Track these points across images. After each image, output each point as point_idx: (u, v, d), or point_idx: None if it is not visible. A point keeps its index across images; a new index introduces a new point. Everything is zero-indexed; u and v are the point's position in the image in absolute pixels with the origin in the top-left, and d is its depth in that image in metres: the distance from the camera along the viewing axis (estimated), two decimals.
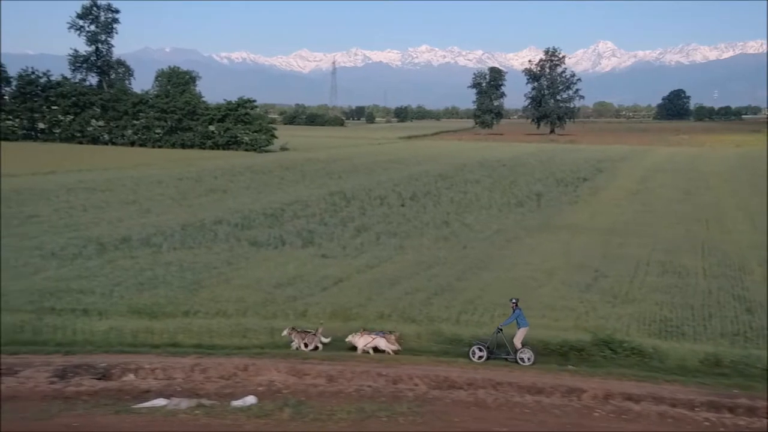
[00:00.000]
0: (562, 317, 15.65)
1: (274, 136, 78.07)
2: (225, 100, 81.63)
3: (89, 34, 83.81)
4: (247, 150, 75.09)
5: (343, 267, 20.35)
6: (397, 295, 17.51)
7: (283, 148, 76.14)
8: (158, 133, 79.66)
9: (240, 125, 77.48)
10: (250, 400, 11.61)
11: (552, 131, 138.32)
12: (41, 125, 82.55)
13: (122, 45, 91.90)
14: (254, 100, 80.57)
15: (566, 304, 16.63)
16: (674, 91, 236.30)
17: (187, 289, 17.50)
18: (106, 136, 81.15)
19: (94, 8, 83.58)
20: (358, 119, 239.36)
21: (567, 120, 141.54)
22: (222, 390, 12.08)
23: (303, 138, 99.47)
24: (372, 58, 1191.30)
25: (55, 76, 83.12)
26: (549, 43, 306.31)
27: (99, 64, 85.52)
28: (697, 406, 10.96)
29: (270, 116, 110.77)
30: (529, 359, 13.25)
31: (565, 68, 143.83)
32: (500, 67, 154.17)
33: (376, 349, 13.86)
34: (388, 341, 13.86)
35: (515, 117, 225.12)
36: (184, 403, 11.38)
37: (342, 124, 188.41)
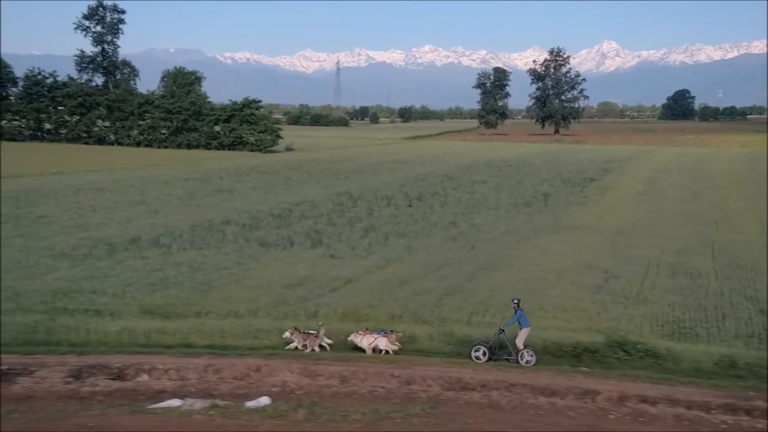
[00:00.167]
0: (574, 318, 15.61)
1: (279, 136, 78.19)
2: (230, 100, 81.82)
3: (95, 34, 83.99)
4: (252, 150, 75.23)
5: (352, 268, 20.36)
6: (408, 295, 17.51)
7: (288, 149, 76.25)
8: (164, 134, 79.86)
9: (245, 126, 77.62)
10: (264, 400, 11.63)
11: (556, 131, 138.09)
12: (47, 126, 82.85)
13: (127, 45, 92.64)
14: (259, 101, 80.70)
15: (578, 305, 16.59)
16: (679, 91, 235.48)
17: (198, 290, 17.54)
18: (112, 137, 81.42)
19: (101, 9, 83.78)
20: (362, 119, 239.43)
21: (571, 120, 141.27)
22: (236, 390, 12.11)
23: (308, 138, 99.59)
24: (375, 59, 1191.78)
25: (61, 77, 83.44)
26: (553, 44, 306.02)
27: (105, 64, 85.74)
28: (713, 409, 10.91)
29: (274, 116, 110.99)
30: (530, 360, 13.24)
31: (570, 68, 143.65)
32: (504, 68, 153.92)
33: (375, 349, 13.87)
34: (389, 341, 13.86)
35: (519, 117, 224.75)
36: (199, 404, 11.40)
37: (346, 124, 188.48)
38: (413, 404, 11.44)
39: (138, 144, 79.63)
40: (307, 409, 10.98)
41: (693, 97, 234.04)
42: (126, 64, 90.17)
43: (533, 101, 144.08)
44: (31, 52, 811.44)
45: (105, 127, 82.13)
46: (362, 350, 13.93)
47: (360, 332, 14.09)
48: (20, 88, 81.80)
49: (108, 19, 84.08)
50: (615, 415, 10.97)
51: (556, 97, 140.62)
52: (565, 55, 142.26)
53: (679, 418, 10.70)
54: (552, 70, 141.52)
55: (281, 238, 24.37)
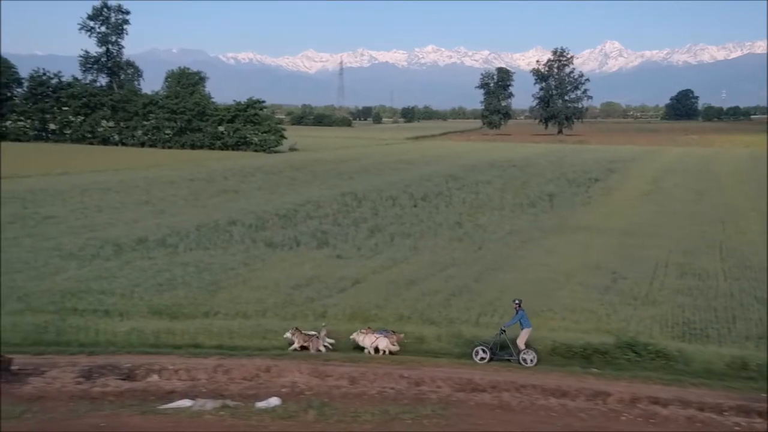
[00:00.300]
0: (583, 319, 15.57)
1: (283, 136, 78.26)
2: (234, 100, 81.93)
3: (100, 35, 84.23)
4: (256, 151, 75.30)
5: (359, 268, 20.36)
6: (415, 296, 17.50)
7: (292, 149, 76.30)
8: (168, 134, 80.00)
9: (249, 126, 77.71)
10: (274, 401, 11.63)
11: (560, 131, 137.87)
12: (52, 126, 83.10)
13: (129, 46, 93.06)
14: (263, 101, 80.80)
15: (586, 306, 16.56)
16: (682, 91, 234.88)
17: (206, 290, 17.56)
18: (116, 137, 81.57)
19: (105, 9, 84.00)
20: (365, 120, 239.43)
21: (575, 120, 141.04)
22: (246, 391, 12.12)
23: (311, 138, 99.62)
24: (378, 59, 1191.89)
25: (66, 77, 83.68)
26: (555, 44, 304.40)
27: (109, 65, 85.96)
28: (725, 411, 10.86)
29: (277, 117, 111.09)
30: (532, 360, 13.24)
31: (574, 68, 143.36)
32: (507, 68, 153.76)
33: (376, 349, 13.87)
34: (390, 341, 13.86)
35: (522, 117, 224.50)
36: (209, 404, 11.41)
37: (349, 124, 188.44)
38: (423, 405, 11.42)
39: (142, 144, 79.77)
40: (317, 409, 10.98)
41: (696, 97, 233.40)
42: (130, 64, 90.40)
43: (537, 101, 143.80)
44: (34, 53, 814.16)
45: (109, 127, 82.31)
46: (363, 349, 13.95)
47: (362, 331, 14.13)
48: (25, 89, 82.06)
49: (113, 19, 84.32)
50: (627, 417, 10.94)
51: (560, 98, 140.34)
52: (569, 55, 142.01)
53: (692, 420, 10.65)
54: (556, 70, 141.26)
55: (287, 239, 24.39)
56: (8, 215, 27.97)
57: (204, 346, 14.24)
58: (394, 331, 14.21)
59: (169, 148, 77.64)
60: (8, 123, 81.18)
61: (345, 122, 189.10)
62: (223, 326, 15.07)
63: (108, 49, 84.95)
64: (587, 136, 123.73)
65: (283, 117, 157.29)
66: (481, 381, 12.35)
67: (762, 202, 37.17)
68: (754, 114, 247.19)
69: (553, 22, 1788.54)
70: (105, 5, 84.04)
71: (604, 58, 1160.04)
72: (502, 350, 13.64)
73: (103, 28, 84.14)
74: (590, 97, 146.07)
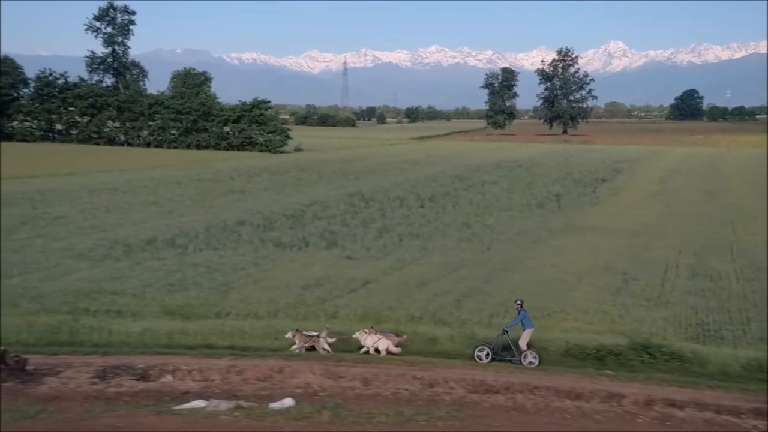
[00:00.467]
0: (596, 320, 15.53)
1: (288, 137, 78.34)
2: (240, 101, 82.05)
3: (106, 35, 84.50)
4: (261, 151, 75.40)
5: (368, 269, 20.35)
6: (426, 297, 17.48)
7: (298, 149, 76.36)
8: (173, 134, 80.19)
9: (255, 126, 77.82)
10: (288, 402, 11.61)
11: (564, 131, 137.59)
12: (58, 126, 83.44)
13: (133, 46, 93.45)
14: (269, 101, 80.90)
15: (598, 307, 16.51)
16: (687, 91, 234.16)
17: (217, 291, 17.59)
18: (122, 137, 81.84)
19: (111, 10, 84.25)
20: (369, 120, 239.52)
21: (579, 120, 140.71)
22: (259, 392, 12.11)
23: (316, 138, 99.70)
24: (381, 59, 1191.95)
25: (71, 78, 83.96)
26: (559, 44, 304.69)
27: (115, 65, 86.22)
28: (743, 413, 10.79)
29: (281, 117, 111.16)
30: (533, 361, 13.20)
31: (578, 68, 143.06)
32: (511, 68, 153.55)
33: (376, 350, 13.87)
34: (391, 343, 13.86)
35: (526, 117, 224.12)
36: (224, 405, 11.40)
37: (353, 124, 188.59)
38: (437, 407, 11.39)
39: (148, 144, 79.99)
40: (331, 410, 10.97)
41: (701, 97, 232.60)
42: (135, 64, 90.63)
43: (541, 101, 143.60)
44: (39, 53, 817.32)
45: (115, 127, 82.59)
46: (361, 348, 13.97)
47: (365, 330, 14.14)
48: (31, 89, 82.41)
49: (119, 20, 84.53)
50: (643, 419, 10.87)
51: (565, 98, 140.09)
52: (574, 55, 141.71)
53: (710, 422, 10.58)
54: (560, 70, 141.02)
55: (296, 239, 24.40)
56: (19, 215, 28.11)
57: (216, 346, 14.25)
58: (397, 334, 14.21)
59: (175, 148, 77.82)
60: (15, 123, 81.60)
61: (349, 122, 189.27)
62: (235, 327, 15.09)
63: (114, 49, 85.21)
64: (592, 136, 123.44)
65: (287, 117, 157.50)
66: (494, 382, 12.31)
67: None
68: (760, 114, 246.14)
69: (556, 22, 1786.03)
70: (111, 6, 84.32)
71: (608, 58, 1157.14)
72: (504, 351, 13.63)
73: (109, 29, 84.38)
74: (595, 97, 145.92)
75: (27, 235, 24.24)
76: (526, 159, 67.70)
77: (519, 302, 13.81)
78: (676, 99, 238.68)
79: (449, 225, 28.30)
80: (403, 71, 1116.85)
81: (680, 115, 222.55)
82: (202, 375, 12.61)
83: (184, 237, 24.26)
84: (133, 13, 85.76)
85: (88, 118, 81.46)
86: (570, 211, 33.40)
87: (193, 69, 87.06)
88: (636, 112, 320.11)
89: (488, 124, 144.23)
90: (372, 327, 14.29)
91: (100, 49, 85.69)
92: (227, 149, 76.86)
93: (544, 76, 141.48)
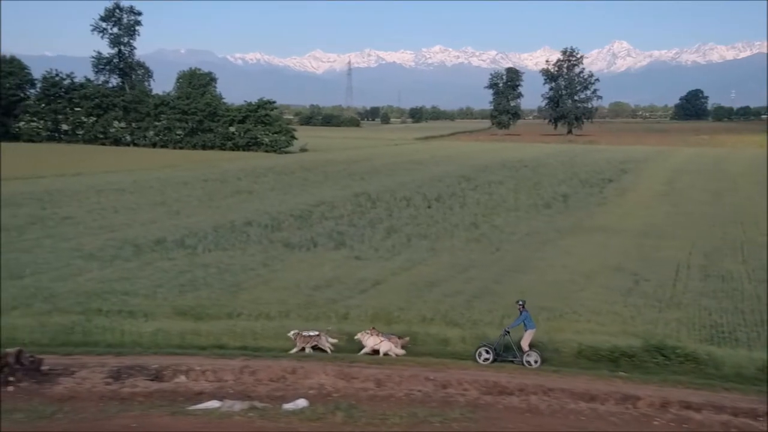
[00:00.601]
0: (608, 322, 15.46)
1: (293, 137, 78.42)
2: (245, 101, 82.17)
3: (112, 36, 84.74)
4: (267, 151, 75.49)
5: (378, 269, 20.34)
6: (437, 297, 17.45)
7: (303, 149, 76.43)
8: (179, 135, 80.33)
9: (260, 126, 77.92)
10: (302, 403, 11.62)
11: (569, 132, 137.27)
12: (65, 126, 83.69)
13: (138, 47, 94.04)
14: (274, 101, 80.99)
15: (610, 309, 16.44)
16: (692, 91, 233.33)
17: (228, 291, 17.61)
18: (128, 138, 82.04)
19: (117, 10, 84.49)
20: (373, 120, 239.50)
21: (584, 120, 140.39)
22: (273, 393, 12.12)
23: (320, 139, 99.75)
24: (385, 59, 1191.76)
25: (77, 78, 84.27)
26: (563, 44, 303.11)
27: (121, 66, 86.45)
28: (760, 416, 10.72)
29: (285, 117, 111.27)
30: (535, 362, 13.18)
31: (583, 68, 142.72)
32: (515, 68, 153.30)
33: (376, 352, 13.86)
34: (394, 345, 13.84)
35: (530, 117, 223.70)
36: (237, 406, 11.43)
37: (358, 124, 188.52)
38: (451, 408, 11.37)
39: (154, 145, 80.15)
40: (344, 411, 10.97)
41: (706, 97, 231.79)
42: (141, 65, 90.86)
43: (546, 101, 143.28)
44: (44, 53, 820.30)
45: (121, 128, 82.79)
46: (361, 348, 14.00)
47: (367, 331, 14.14)
48: (38, 90, 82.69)
49: (125, 20, 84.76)
50: (659, 422, 10.83)
51: (569, 98, 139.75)
52: (579, 55, 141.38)
53: (727, 425, 10.52)
54: (565, 70, 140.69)
55: (304, 240, 24.41)
56: (28, 216, 28.21)
57: (228, 347, 14.27)
58: (399, 336, 14.19)
59: (181, 148, 77.96)
60: (21, 124, 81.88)
61: (353, 122, 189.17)
62: (247, 327, 15.10)
63: (120, 50, 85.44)
64: (597, 137, 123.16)
65: (292, 117, 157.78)
66: (508, 384, 12.28)
67: None
68: (764, 114, 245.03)
69: (560, 22, 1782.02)
70: (117, 6, 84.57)
71: (613, 58, 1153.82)
72: (506, 351, 13.61)
73: (115, 29, 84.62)
74: (600, 97, 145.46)
75: (36, 235, 24.32)
76: (531, 159, 67.57)
77: (521, 303, 13.79)
78: (680, 99, 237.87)
79: (457, 225, 28.26)
80: (407, 71, 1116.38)
81: (685, 115, 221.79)
82: (216, 375, 12.63)
83: (193, 237, 24.29)
84: (140, 13, 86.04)
85: (95, 119, 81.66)
86: (577, 212, 33.32)
87: (199, 69, 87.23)
88: (640, 112, 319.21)
89: (493, 124, 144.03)
90: (374, 328, 14.29)
91: (106, 50, 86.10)
92: (233, 149, 76.94)
93: (549, 76, 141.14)
